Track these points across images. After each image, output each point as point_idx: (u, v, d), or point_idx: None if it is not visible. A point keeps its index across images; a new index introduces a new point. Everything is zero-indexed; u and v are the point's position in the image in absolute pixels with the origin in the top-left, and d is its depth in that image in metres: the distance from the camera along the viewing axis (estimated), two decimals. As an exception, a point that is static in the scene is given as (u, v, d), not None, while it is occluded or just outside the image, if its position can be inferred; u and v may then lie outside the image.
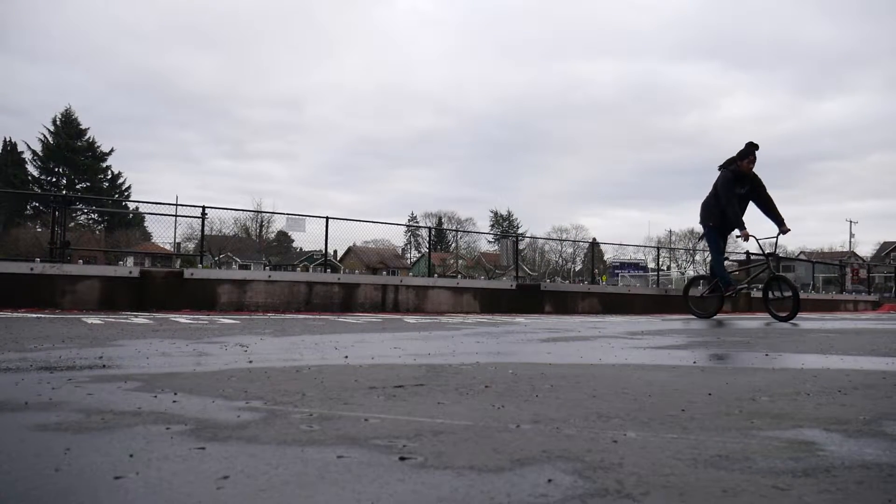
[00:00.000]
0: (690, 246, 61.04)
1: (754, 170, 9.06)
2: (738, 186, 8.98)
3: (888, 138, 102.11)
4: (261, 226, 58.69)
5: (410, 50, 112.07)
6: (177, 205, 13.81)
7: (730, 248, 10.98)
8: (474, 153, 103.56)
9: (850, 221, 62.94)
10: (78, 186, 56.66)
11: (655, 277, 26.82)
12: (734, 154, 9.06)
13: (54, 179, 58.15)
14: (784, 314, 9.16)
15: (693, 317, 10.09)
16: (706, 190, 9.79)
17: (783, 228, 9.00)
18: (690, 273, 49.08)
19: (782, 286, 9.38)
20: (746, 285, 10.89)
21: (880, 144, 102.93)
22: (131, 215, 41.72)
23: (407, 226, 62.62)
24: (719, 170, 9.29)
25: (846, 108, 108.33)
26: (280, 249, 56.32)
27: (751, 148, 8.93)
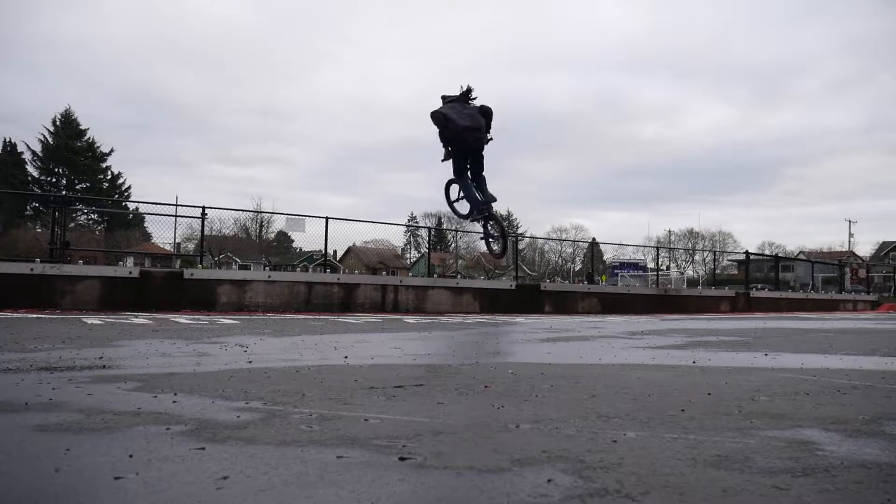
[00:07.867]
0: (690, 246, 61.04)
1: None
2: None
3: (881, 140, 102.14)
4: (260, 226, 58.62)
5: (385, 64, 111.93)
6: (177, 205, 13.74)
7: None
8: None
9: (850, 221, 62.69)
10: (78, 187, 56.57)
11: (655, 277, 26.82)
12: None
13: (54, 180, 58.08)
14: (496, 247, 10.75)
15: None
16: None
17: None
18: (690, 273, 49.16)
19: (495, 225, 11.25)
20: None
21: (875, 145, 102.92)
22: (131, 216, 41.58)
23: (407, 226, 62.54)
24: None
25: (836, 111, 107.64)
26: (280, 250, 56.25)
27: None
